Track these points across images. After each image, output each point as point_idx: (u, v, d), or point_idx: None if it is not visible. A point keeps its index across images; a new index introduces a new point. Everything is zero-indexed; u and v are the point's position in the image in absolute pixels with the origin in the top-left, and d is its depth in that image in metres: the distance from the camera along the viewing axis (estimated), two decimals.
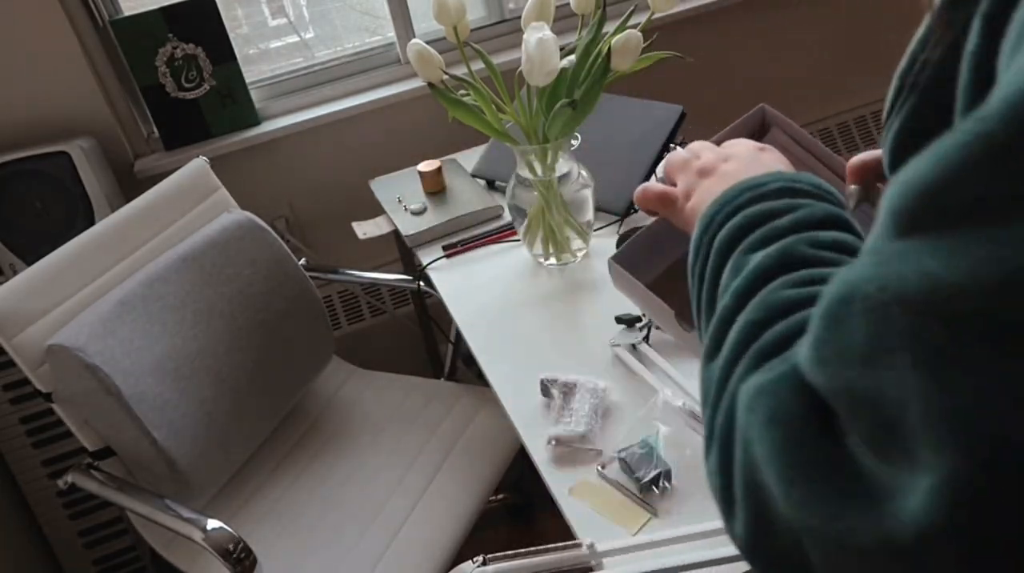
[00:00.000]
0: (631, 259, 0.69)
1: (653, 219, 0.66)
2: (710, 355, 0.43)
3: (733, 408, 0.38)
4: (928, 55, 0.37)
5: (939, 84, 0.36)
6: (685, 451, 0.92)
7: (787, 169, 0.54)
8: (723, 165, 0.55)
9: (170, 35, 1.66)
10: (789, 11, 2.13)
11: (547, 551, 0.81)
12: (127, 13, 1.67)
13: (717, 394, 0.40)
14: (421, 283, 1.49)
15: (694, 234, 0.51)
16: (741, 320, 0.41)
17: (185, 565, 1.27)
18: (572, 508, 0.89)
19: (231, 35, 1.70)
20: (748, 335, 0.40)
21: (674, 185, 0.59)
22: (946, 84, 0.34)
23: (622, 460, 0.90)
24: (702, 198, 0.54)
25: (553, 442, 0.96)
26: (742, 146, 0.57)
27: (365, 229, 1.54)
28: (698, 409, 0.94)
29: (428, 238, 1.45)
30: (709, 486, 0.39)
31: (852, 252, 0.44)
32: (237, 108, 1.75)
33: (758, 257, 0.44)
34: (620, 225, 1.39)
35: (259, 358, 1.38)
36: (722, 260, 0.47)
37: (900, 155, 0.40)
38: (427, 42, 1.14)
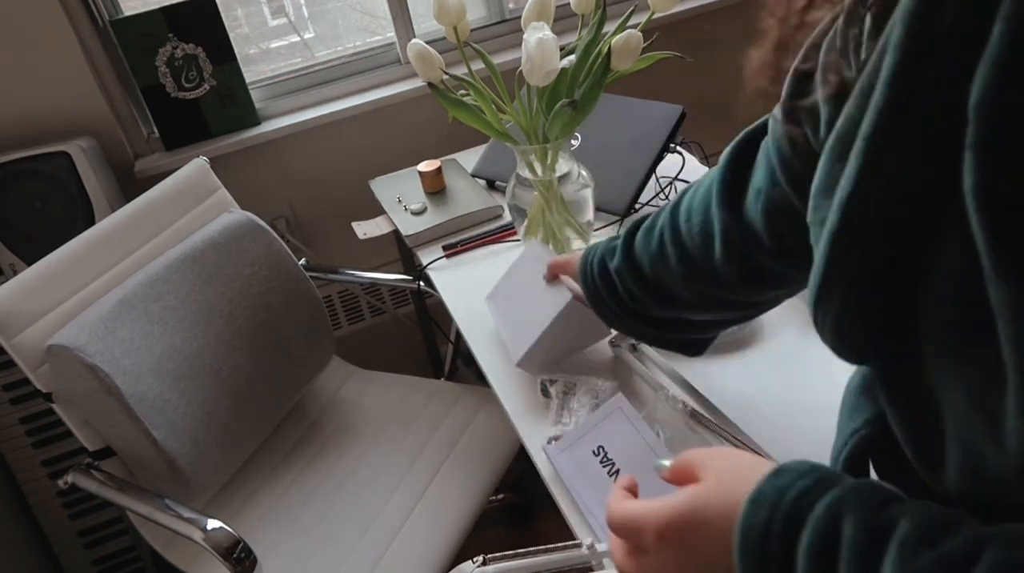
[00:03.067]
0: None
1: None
2: None
3: None
4: None
5: None
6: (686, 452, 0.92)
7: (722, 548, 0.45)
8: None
9: (170, 35, 1.66)
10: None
11: (547, 551, 0.81)
12: (127, 13, 1.67)
13: None
14: (421, 283, 1.49)
15: None
16: None
17: (185, 565, 1.27)
18: (572, 508, 0.89)
19: (231, 35, 1.70)
20: None
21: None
22: None
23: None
24: None
25: (553, 442, 0.96)
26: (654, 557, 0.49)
27: (365, 229, 1.54)
28: (698, 409, 0.94)
29: (428, 238, 1.45)
30: None
31: (955, 521, 0.38)
32: (237, 108, 1.75)
33: None
34: (620, 225, 1.39)
35: (259, 358, 1.38)
36: None
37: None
38: (427, 42, 1.14)
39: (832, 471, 0.44)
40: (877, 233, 0.42)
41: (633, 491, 0.55)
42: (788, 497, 0.42)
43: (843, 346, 0.48)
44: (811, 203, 0.48)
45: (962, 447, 0.39)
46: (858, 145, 0.41)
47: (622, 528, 0.51)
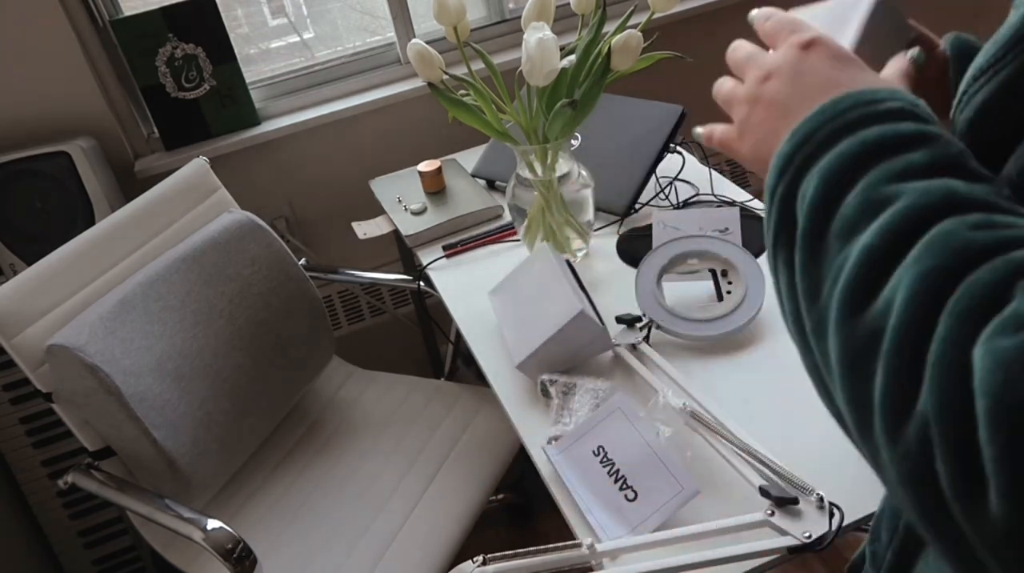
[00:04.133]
0: None
1: None
2: (849, 310, 0.35)
3: (967, 380, 0.30)
4: None
5: None
6: (686, 452, 0.92)
7: (855, 76, 0.43)
8: (762, 86, 0.46)
9: (170, 35, 1.66)
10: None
11: (547, 551, 0.81)
12: (127, 13, 1.67)
13: (911, 363, 0.32)
14: (421, 283, 1.49)
15: (772, 169, 0.42)
16: (913, 267, 0.33)
17: (185, 565, 1.27)
18: (572, 508, 0.89)
19: (231, 35, 1.70)
20: (934, 286, 0.32)
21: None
22: None
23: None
24: (758, 141, 0.46)
25: (552, 442, 0.96)
26: (781, 52, 0.46)
27: (365, 229, 1.54)
28: (699, 409, 0.94)
29: (428, 238, 1.45)
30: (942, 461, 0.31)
31: (1006, 205, 0.35)
32: (237, 108, 1.75)
33: (907, 191, 0.35)
34: (620, 225, 1.39)
35: (259, 358, 1.38)
36: (838, 191, 0.38)
37: (995, 114, 0.35)
38: (427, 42, 1.14)
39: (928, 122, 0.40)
40: None
41: None
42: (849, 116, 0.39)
43: None
44: None
45: None
46: None
47: (779, 26, 0.48)
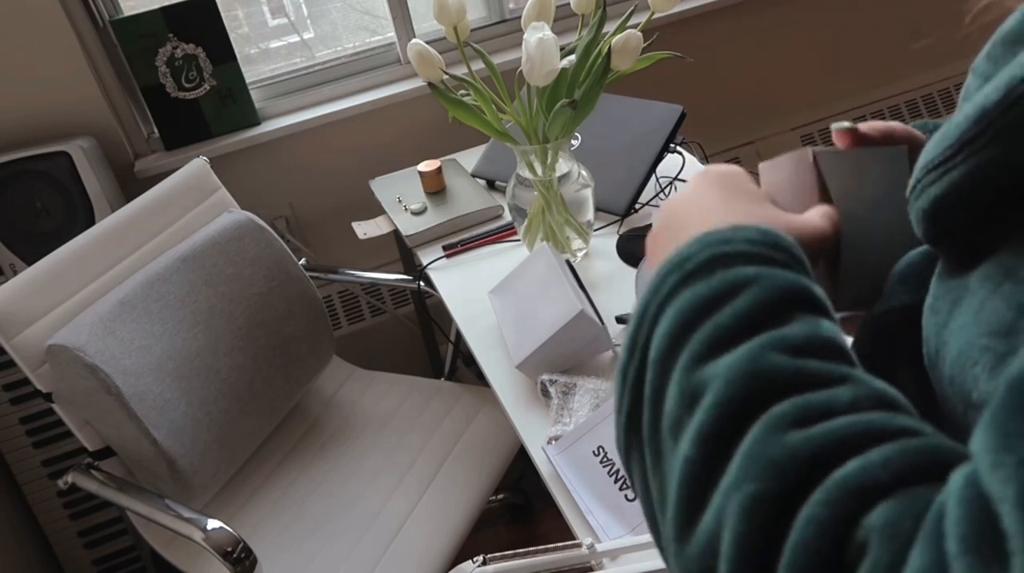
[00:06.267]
0: None
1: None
2: (680, 533, 0.32)
3: None
4: None
5: None
6: None
7: (728, 213, 0.42)
8: (659, 227, 0.45)
9: (170, 35, 1.66)
10: (789, 11, 2.13)
11: (547, 551, 0.81)
12: (127, 13, 1.67)
13: None
14: (421, 283, 1.49)
15: (627, 331, 0.40)
16: (735, 493, 0.30)
17: (185, 565, 1.27)
18: (572, 508, 0.89)
19: (231, 35, 1.70)
20: (763, 522, 0.29)
21: None
22: None
23: None
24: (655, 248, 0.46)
25: (553, 442, 0.96)
26: (677, 198, 0.45)
27: (365, 229, 1.54)
28: None
29: (428, 238, 1.45)
30: None
31: (841, 354, 0.34)
32: (237, 108, 1.75)
33: (713, 378, 0.33)
34: (620, 225, 1.39)
35: (259, 358, 1.38)
36: (663, 378, 0.36)
37: (951, 207, 0.35)
38: (427, 42, 1.14)
39: (789, 251, 0.38)
40: None
41: None
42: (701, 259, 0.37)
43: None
44: None
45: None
46: None
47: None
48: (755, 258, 0.37)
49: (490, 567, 0.81)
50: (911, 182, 0.40)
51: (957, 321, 0.35)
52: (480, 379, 1.20)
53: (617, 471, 0.90)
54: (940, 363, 0.37)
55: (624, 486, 0.89)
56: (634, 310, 0.39)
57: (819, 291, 0.37)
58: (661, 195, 1.44)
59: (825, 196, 0.48)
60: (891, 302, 0.46)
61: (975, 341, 0.33)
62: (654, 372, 0.36)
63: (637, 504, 0.87)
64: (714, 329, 0.35)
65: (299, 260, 1.49)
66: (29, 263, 1.43)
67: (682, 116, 1.42)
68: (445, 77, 1.16)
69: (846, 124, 0.51)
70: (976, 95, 0.35)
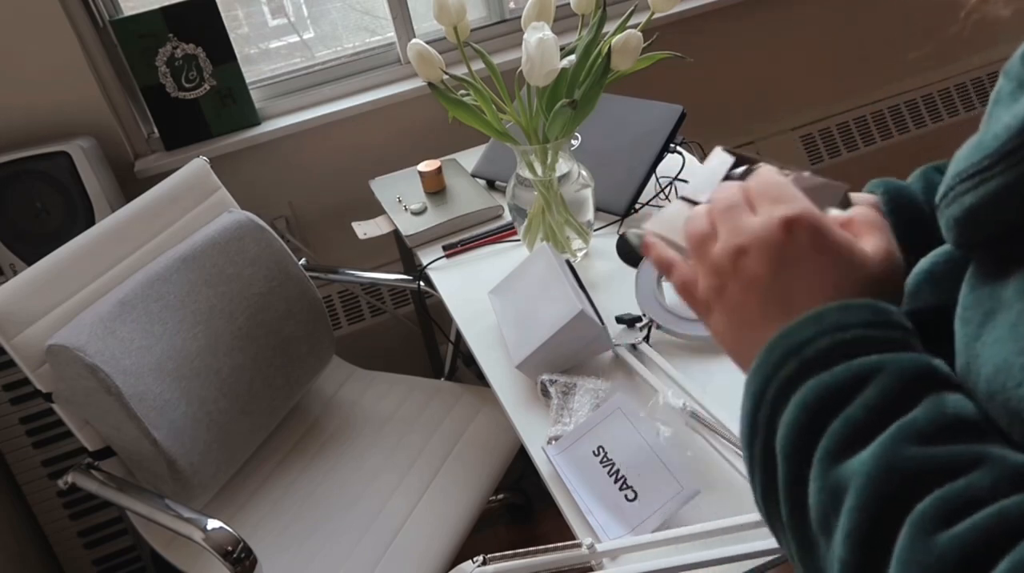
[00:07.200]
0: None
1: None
2: None
3: None
4: None
5: None
6: (686, 452, 0.92)
7: (824, 284, 0.40)
8: (739, 261, 0.42)
9: (170, 35, 1.66)
10: (789, 11, 2.13)
11: (547, 551, 0.81)
12: (127, 13, 1.67)
13: None
14: (421, 283, 1.49)
15: (744, 407, 0.41)
16: None
17: (185, 565, 1.27)
18: (572, 508, 0.89)
19: (231, 35, 1.70)
20: None
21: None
22: None
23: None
24: (723, 330, 0.44)
25: (553, 442, 0.96)
26: (761, 224, 0.42)
27: (365, 229, 1.54)
28: (699, 409, 0.94)
29: (428, 238, 1.45)
30: None
31: (972, 430, 0.34)
32: (237, 108, 1.75)
33: (854, 476, 0.34)
34: (620, 225, 1.39)
35: (259, 358, 1.38)
36: (797, 470, 0.37)
37: (986, 217, 0.35)
38: (427, 42, 1.14)
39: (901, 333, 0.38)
40: None
41: None
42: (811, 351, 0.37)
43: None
44: None
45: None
46: None
47: (765, 188, 0.43)
48: (874, 343, 0.37)
49: (490, 567, 0.81)
50: (942, 189, 0.39)
51: (991, 334, 0.35)
52: (480, 379, 1.20)
53: (617, 471, 0.90)
54: (973, 377, 0.37)
55: (624, 486, 0.89)
56: (748, 388, 0.40)
57: (940, 363, 0.37)
58: (661, 195, 1.44)
59: None
60: (917, 302, 0.45)
61: (1015, 360, 0.33)
62: (788, 464, 0.37)
63: (637, 504, 0.87)
64: (846, 424, 0.35)
65: (299, 260, 1.49)
66: (29, 263, 1.43)
67: (682, 116, 1.42)
68: (445, 77, 1.16)
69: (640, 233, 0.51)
70: (1015, 105, 0.35)
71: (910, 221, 0.53)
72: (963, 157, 0.37)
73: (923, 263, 0.46)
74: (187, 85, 1.70)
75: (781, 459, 0.37)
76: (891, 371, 0.36)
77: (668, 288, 1.12)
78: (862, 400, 0.35)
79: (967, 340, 0.38)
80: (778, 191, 0.42)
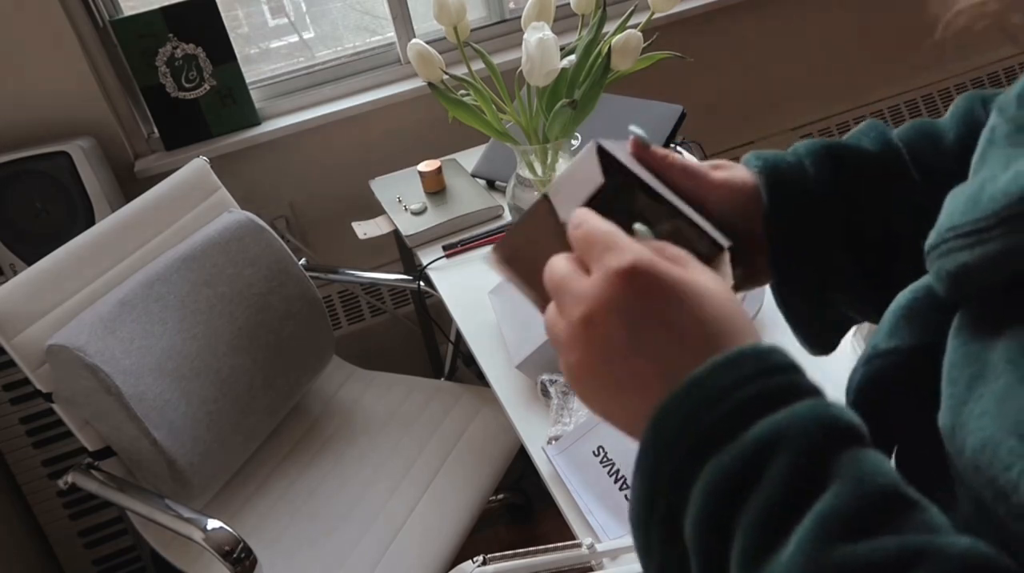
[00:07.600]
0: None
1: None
2: None
3: None
4: None
5: None
6: None
7: (685, 329, 0.37)
8: (587, 331, 0.38)
9: (170, 35, 1.66)
10: (789, 11, 2.13)
11: (547, 551, 0.81)
12: (127, 13, 1.67)
13: None
14: (421, 283, 1.49)
15: (638, 491, 0.36)
16: None
17: (185, 565, 1.27)
18: (572, 508, 0.89)
19: (231, 35, 1.70)
20: None
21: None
22: None
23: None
24: (592, 399, 0.40)
25: (552, 442, 0.96)
26: (597, 283, 0.38)
27: (365, 229, 1.54)
28: None
29: (428, 238, 1.45)
30: None
31: (899, 506, 0.31)
32: (237, 108, 1.75)
33: None
34: None
35: (259, 358, 1.38)
36: (714, 567, 0.33)
37: (981, 276, 0.34)
38: (427, 42, 1.14)
39: (794, 380, 0.36)
40: None
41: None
42: (719, 407, 0.34)
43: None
44: None
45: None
46: None
47: (591, 240, 0.39)
48: (766, 400, 0.34)
49: (490, 567, 0.81)
50: (933, 237, 0.38)
51: (978, 404, 0.34)
52: (480, 379, 1.20)
53: (617, 471, 0.90)
54: (959, 442, 0.35)
55: (624, 486, 0.89)
56: (641, 469, 0.36)
57: (837, 408, 0.34)
58: None
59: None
60: (895, 341, 0.44)
61: (1003, 440, 0.32)
62: (700, 559, 0.34)
63: None
64: (758, 513, 0.32)
65: (299, 260, 1.49)
66: (29, 263, 1.43)
67: (682, 116, 1.42)
68: (445, 77, 1.16)
69: (643, 135, 0.48)
70: (1014, 163, 0.34)
71: (788, 198, 0.51)
72: (958, 211, 0.36)
73: (900, 299, 0.44)
74: (187, 85, 1.70)
75: (695, 555, 0.34)
76: (795, 436, 0.33)
77: None
78: (769, 481, 0.32)
79: (953, 402, 0.36)
80: (605, 238, 0.39)
